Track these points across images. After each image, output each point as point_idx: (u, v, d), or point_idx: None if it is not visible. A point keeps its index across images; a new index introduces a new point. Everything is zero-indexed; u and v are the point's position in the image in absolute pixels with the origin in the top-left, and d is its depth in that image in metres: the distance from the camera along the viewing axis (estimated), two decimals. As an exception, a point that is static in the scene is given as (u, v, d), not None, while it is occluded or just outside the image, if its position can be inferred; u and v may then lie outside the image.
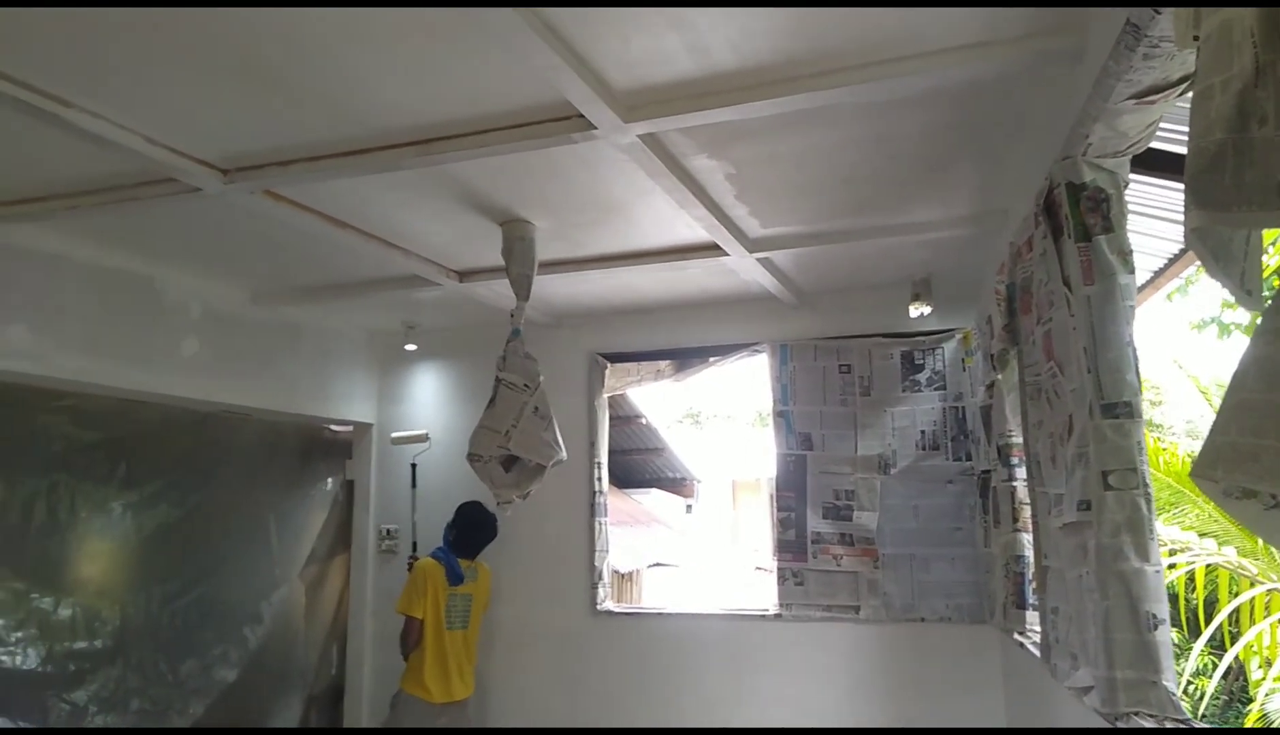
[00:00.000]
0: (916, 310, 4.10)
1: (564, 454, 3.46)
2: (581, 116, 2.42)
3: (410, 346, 5.20)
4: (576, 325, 5.04)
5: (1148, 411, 9.77)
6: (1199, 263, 1.59)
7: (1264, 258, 1.10)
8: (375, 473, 5.41)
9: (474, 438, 3.39)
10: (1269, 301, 1.03)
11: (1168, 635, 1.98)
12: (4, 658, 3.79)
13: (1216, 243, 1.05)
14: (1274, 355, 0.99)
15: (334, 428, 5.64)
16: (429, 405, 5.35)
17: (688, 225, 3.42)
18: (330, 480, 5.54)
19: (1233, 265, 1.06)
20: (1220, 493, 1.09)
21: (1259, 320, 1.02)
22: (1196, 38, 1.08)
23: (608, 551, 4.88)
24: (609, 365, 5.01)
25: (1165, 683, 1.93)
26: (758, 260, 3.82)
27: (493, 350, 3.60)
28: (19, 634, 3.85)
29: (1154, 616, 1.97)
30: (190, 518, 4.70)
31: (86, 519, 4.23)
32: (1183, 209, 1.04)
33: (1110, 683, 1.98)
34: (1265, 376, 0.99)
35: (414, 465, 4.78)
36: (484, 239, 3.55)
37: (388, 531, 5.29)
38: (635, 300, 4.70)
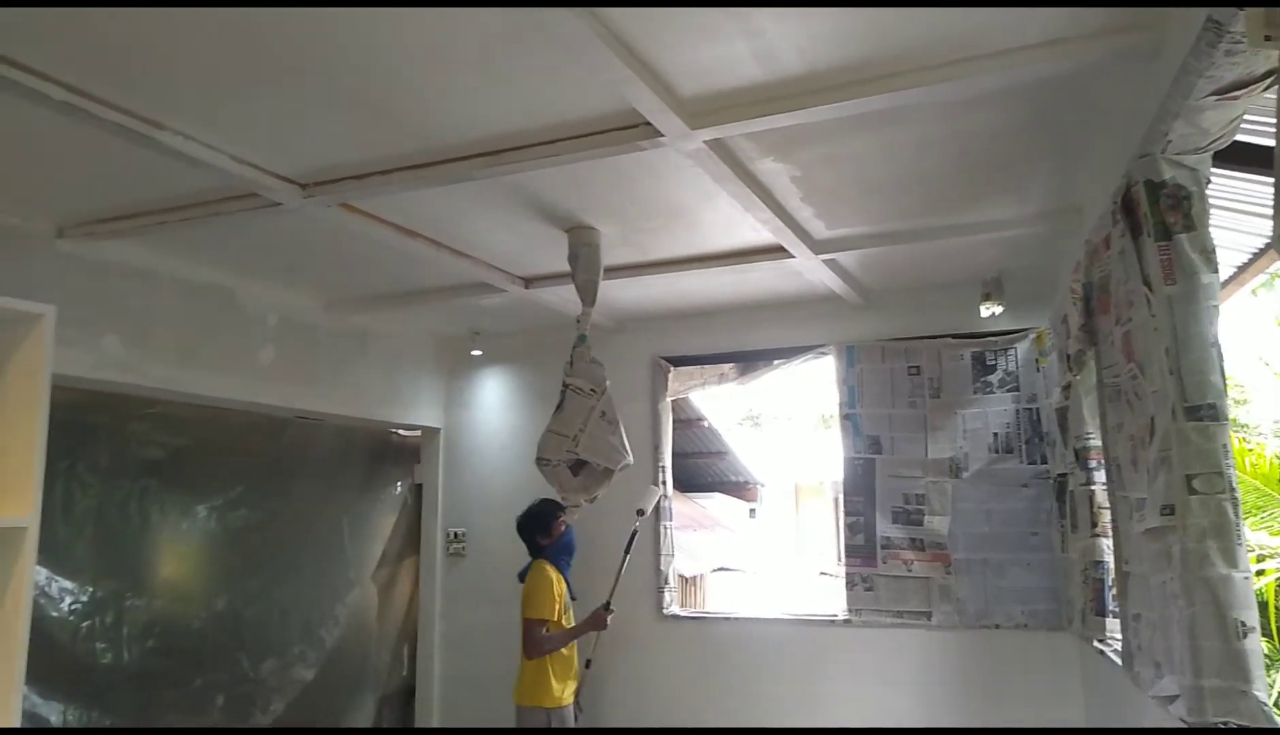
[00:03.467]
0: (988, 310, 4.03)
1: (631, 458, 3.49)
2: (649, 125, 2.45)
3: (476, 352, 5.30)
4: (640, 329, 5.08)
5: (1232, 411, 9.42)
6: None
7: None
8: (443, 476, 5.52)
9: (542, 442, 3.45)
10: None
11: (1258, 643, 1.92)
12: (105, 655, 3.98)
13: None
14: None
15: (402, 433, 5.78)
16: (496, 410, 5.44)
17: (752, 228, 3.42)
18: (400, 484, 5.68)
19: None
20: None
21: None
22: (1269, 38, 1.06)
23: (673, 555, 4.89)
24: (672, 369, 5.04)
25: (1256, 692, 1.87)
26: (823, 261, 3.80)
27: (558, 355, 3.65)
28: (115, 633, 4.03)
29: (1243, 624, 1.91)
30: (269, 521, 4.86)
31: (174, 522, 4.42)
32: (1272, 208, 1.01)
33: (1197, 691, 1.93)
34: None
35: (635, 532, 4.25)
36: (550, 245, 3.61)
37: (455, 535, 5.39)
38: (699, 303, 4.71)
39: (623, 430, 3.48)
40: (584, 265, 3.43)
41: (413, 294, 4.48)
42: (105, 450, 4.11)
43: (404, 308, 4.68)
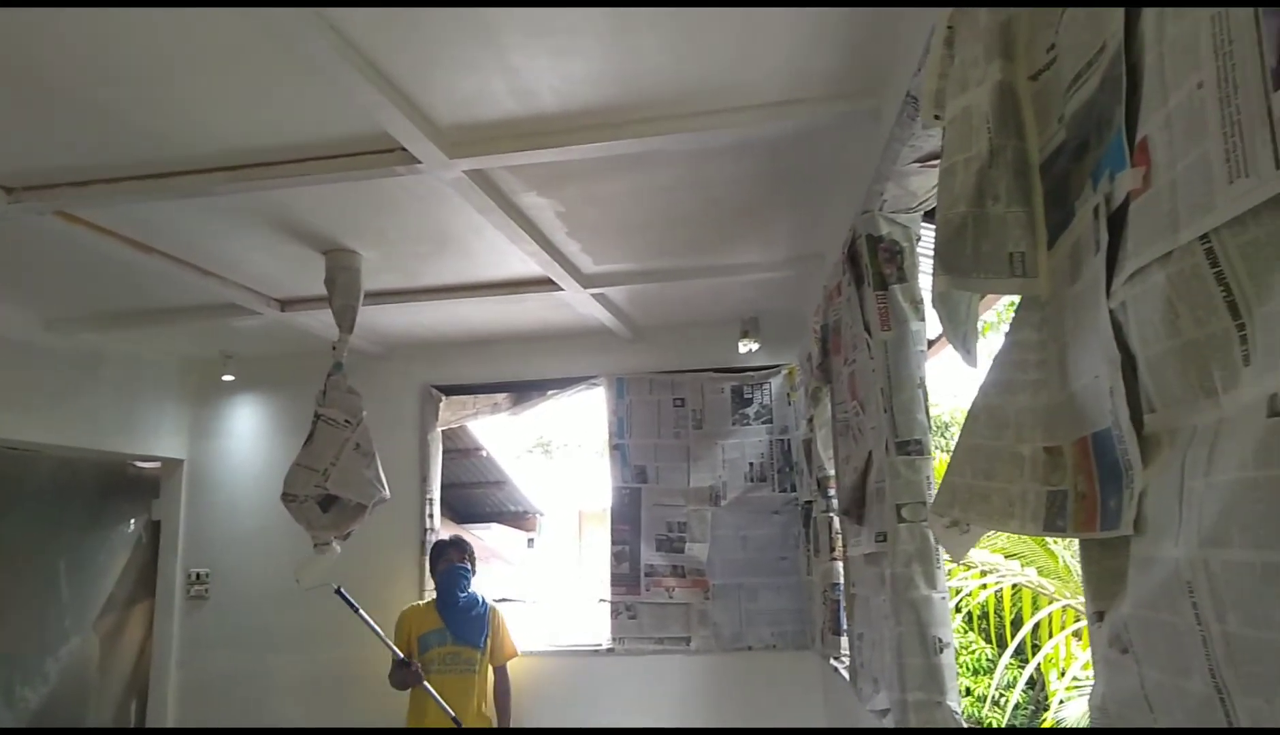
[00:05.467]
0: (745, 346, 4.27)
1: (387, 492, 3.35)
2: (404, 150, 2.39)
3: (228, 377, 4.91)
4: (410, 356, 4.92)
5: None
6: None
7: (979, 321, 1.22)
8: (185, 512, 5.04)
9: (289, 476, 3.23)
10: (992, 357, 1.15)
11: (952, 658, 2.13)
12: None
13: (951, 307, 1.16)
14: (1000, 405, 1.09)
15: (139, 464, 5.23)
16: (249, 440, 5.05)
17: (521, 260, 3.42)
18: (133, 521, 5.12)
19: (959, 326, 1.17)
20: (942, 526, 1.20)
21: (985, 374, 1.13)
22: (938, 117, 1.19)
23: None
24: (444, 398, 4.92)
25: (949, 703, 2.07)
26: (592, 295, 3.87)
27: (319, 381, 3.46)
28: None
29: (940, 641, 2.12)
30: (-37, 566, 4.23)
31: None
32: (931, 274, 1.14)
33: (903, 704, 2.11)
34: (993, 424, 1.10)
35: (339, 588, 3.94)
36: (308, 267, 3.42)
37: (197, 576, 4.93)
38: (471, 332, 4.65)
39: (379, 463, 3.34)
40: (341, 290, 3.27)
41: (153, 312, 4.08)
42: None
43: (143, 327, 4.23)
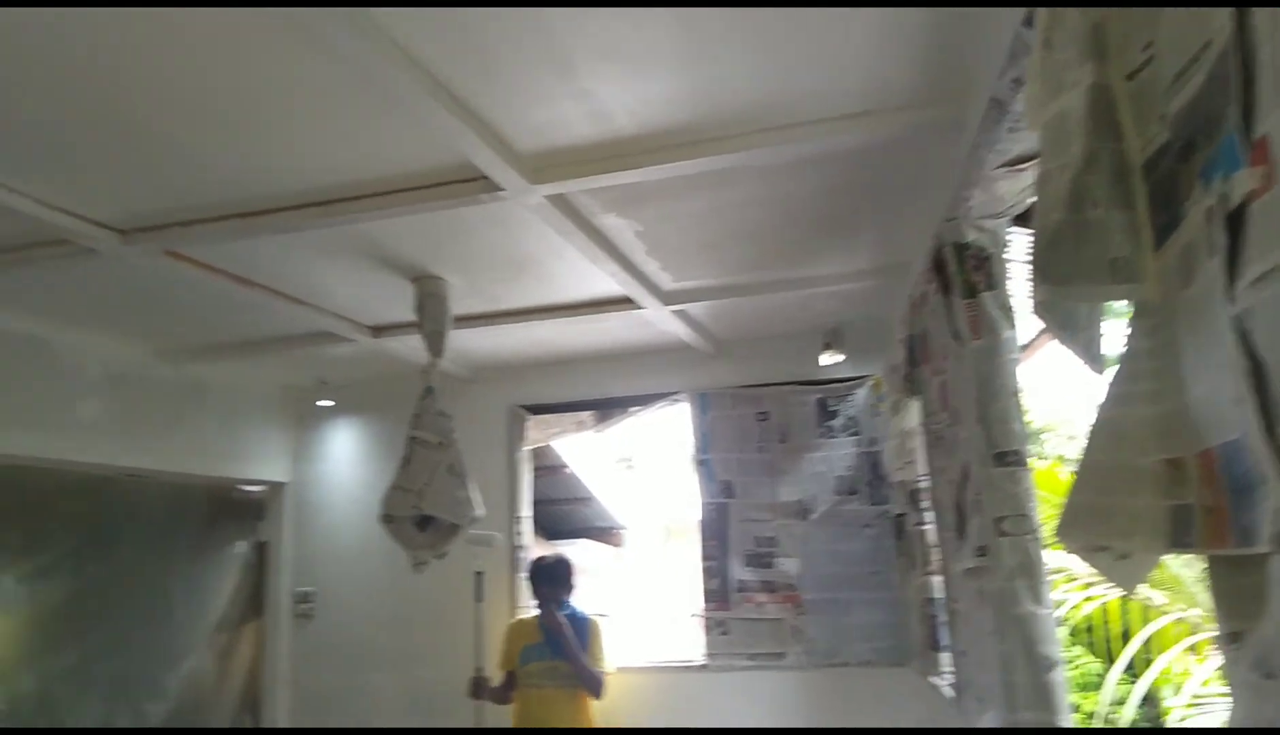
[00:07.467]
0: (828, 358, 4.20)
1: (479, 511, 3.42)
2: (487, 179, 2.44)
3: (325, 402, 5.09)
4: (496, 377, 5.02)
5: (1061, 446, 10.11)
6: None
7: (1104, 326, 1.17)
8: (289, 533, 5.24)
9: (387, 498, 3.33)
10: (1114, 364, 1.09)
11: (1062, 676, 2.05)
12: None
13: (1063, 313, 1.12)
14: (1118, 418, 1.05)
15: (245, 488, 5.46)
16: (346, 463, 5.23)
17: (602, 280, 3.46)
18: (241, 543, 5.34)
19: (1079, 333, 1.13)
20: (1079, 548, 1.15)
21: (1107, 387, 1.08)
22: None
23: (530, 607, 4.80)
24: (530, 417, 4.99)
25: (1061, 723, 1.99)
26: (672, 312, 3.88)
27: (410, 404, 3.56)
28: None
29: (1048, 658, 2.04)
30: (88, 588, 4.47)
31: (-27, 596, 4.00)
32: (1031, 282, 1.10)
33: (1014, 724, 2.04)
34: (1112, 439, 1.05)
35: (479, 573, 4.19)
36: (398, 295, 3.52)
37: (304, 595, 5.12)
38: (554, 352, 4.71)
39: (471, 483, 3.41)
40: (430, 315, 3.36)
41: (254, 343, 4.27)
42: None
43: (245, 357, 4.44)
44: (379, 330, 4.10)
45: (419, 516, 3.28)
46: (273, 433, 5.22)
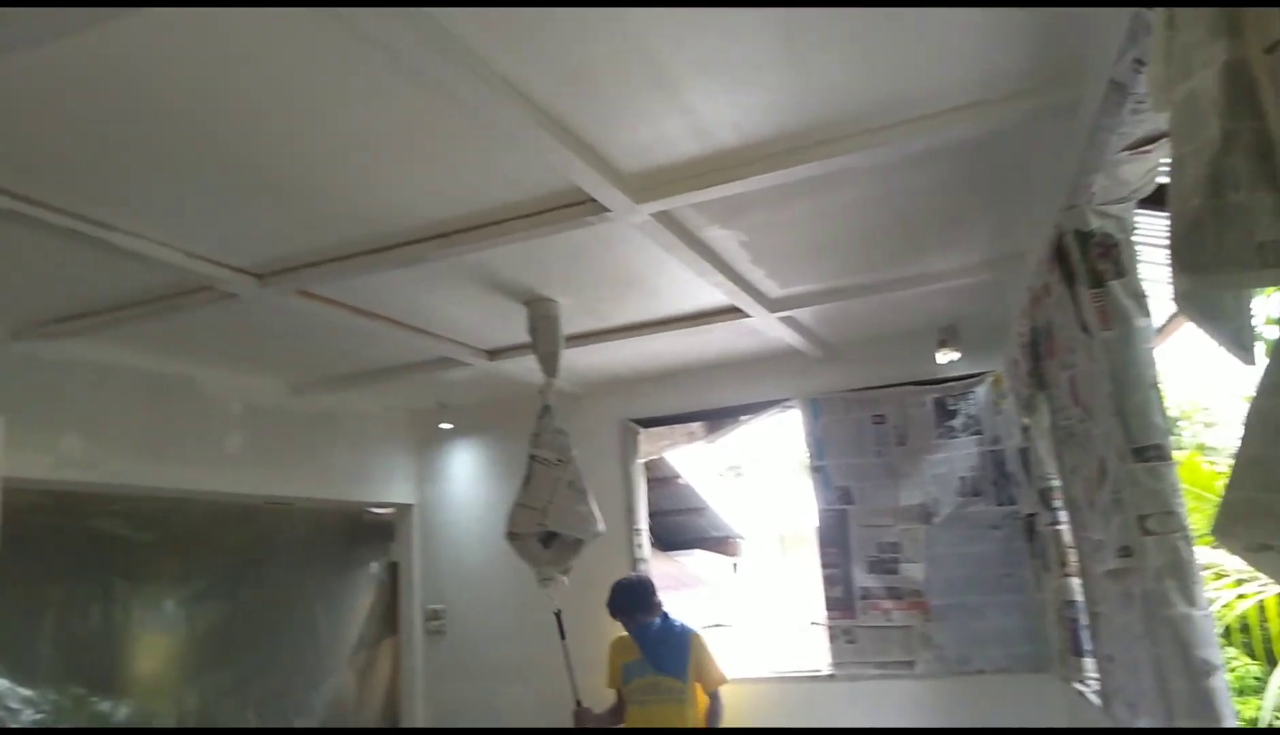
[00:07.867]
0: (944, 356, 4.08)
1: (602, 526, 3.48)
2: (594, 201, 2.50)
3: (446, 425, 5.28)
4: (607, 393, 5.09)
5: (1200, 434, 9.50)
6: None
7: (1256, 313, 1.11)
8: (419, 553, 5.46)
9: (512, 516, 3.43)
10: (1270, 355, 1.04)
11: (1223, 682, 1.93)
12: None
13: (1207, 303, 1.07)
14: (1274, 409, 0.99)
15: (375, 510, 5.72)
16: (469, 483, 5.41)
17: (707, 291, 3.47)
18: (374, 563, 5.59)
19: (1225, 323, 1.08)
20: (1242, 548, 1.09)
21: (1260, 376, 1.03)
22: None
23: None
24: (642, 430, 5.04)
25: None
26: (780, 319, 3.85)
27: (529, 424, 3.66)
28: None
29: (1207, 663, 1.92)
30: (240, 611, 4.78)
31: (141, 619, 4.32)
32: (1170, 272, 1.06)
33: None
34: (1269, 431, 1.00)
35: (558, 613, 4.11)
36: (511, 318, 3.63)
37: (435, 612, 5.31)
38: (663, 365, 4.75)
39: (592, 498, 3.47)
40: (544, 336, 3.45)
41: (378, 372, 4.48)
42: (67, 550, 4.03)
43: (370, 386, 4.67)
44: (494, 353, 4.23)
45: (544, 533, 3.36)
46: (398, 457, 5.45)
